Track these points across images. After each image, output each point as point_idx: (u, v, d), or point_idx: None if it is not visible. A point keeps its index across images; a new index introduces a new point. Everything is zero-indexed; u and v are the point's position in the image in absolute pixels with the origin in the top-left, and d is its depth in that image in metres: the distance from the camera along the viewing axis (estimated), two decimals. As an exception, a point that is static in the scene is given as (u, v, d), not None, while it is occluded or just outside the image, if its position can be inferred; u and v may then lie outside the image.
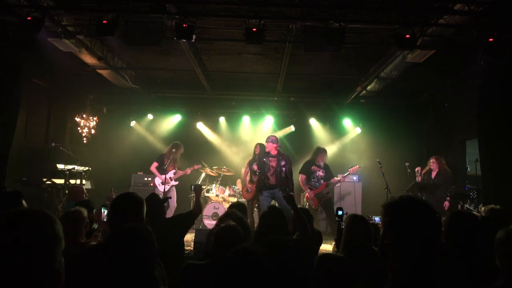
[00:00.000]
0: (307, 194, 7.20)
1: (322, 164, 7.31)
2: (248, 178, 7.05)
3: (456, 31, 5.18)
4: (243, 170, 8.78)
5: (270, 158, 6.72)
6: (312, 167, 7.24)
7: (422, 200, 1.49)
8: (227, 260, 1.60)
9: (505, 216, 2.82)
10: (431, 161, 7.17)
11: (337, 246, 3.35)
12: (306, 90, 9.43)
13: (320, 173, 7.24)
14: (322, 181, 7.22)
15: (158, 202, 3.70)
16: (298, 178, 7.24)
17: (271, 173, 6.65)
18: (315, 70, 7.97)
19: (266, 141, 6.79)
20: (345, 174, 7.58)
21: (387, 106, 9.37)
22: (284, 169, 6.63)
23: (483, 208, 3.02)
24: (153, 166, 7.97)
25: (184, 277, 2.35)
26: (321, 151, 7.39)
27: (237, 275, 1.53)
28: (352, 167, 7.53)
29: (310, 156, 7.47)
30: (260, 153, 6.83)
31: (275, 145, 6.73)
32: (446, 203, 6.76)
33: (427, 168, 7.21)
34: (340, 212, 3.63)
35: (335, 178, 7.40)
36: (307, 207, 7.23)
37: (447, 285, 1.76)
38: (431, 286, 1.36)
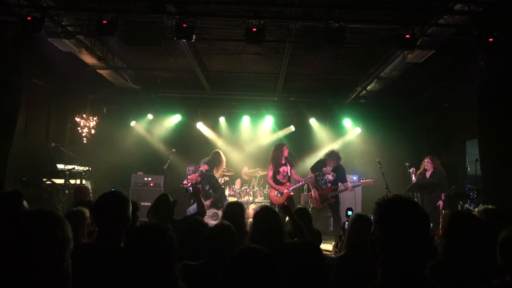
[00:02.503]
0: (311, 193, 7.22)
1: (331, 167, 7.27)
2: (272, 180, 7.15)
3: (456, 31, 5.18)
4: (245, 169, 8.78)
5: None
6: (324, 168, 7.25)
7: (411, 199, 1.52)
8: (235, 258, 1.55)
9: (500, 215, 2.81)
10: (425, 161, 7.22)
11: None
12: (306, 90, 9.43)
13: (330, 176, 7.24)
14: (329, 184, 7.23)
15: (168, 203, 3.72)
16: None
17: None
18: (315, 70, 7.97)
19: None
20: (355, 185, 7.61)
21: (387, 106, 9.37)
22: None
23: (476, 209, 3.02)
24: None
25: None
26: (333, 155, 7.29)
27: (248, 273, 1.49)
28: (364, 179, 7.48)
29: (324, 156, 7.44)
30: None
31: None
32: (440, 202, 6.83)
33: (421, 168, 7.25)
34: (350, 213, 3.65)
35: (348, 183, 7.33)
36: (310, 206, 7.27)
37: (446, 284, 1.77)
38: (419, 282, 1.37)
